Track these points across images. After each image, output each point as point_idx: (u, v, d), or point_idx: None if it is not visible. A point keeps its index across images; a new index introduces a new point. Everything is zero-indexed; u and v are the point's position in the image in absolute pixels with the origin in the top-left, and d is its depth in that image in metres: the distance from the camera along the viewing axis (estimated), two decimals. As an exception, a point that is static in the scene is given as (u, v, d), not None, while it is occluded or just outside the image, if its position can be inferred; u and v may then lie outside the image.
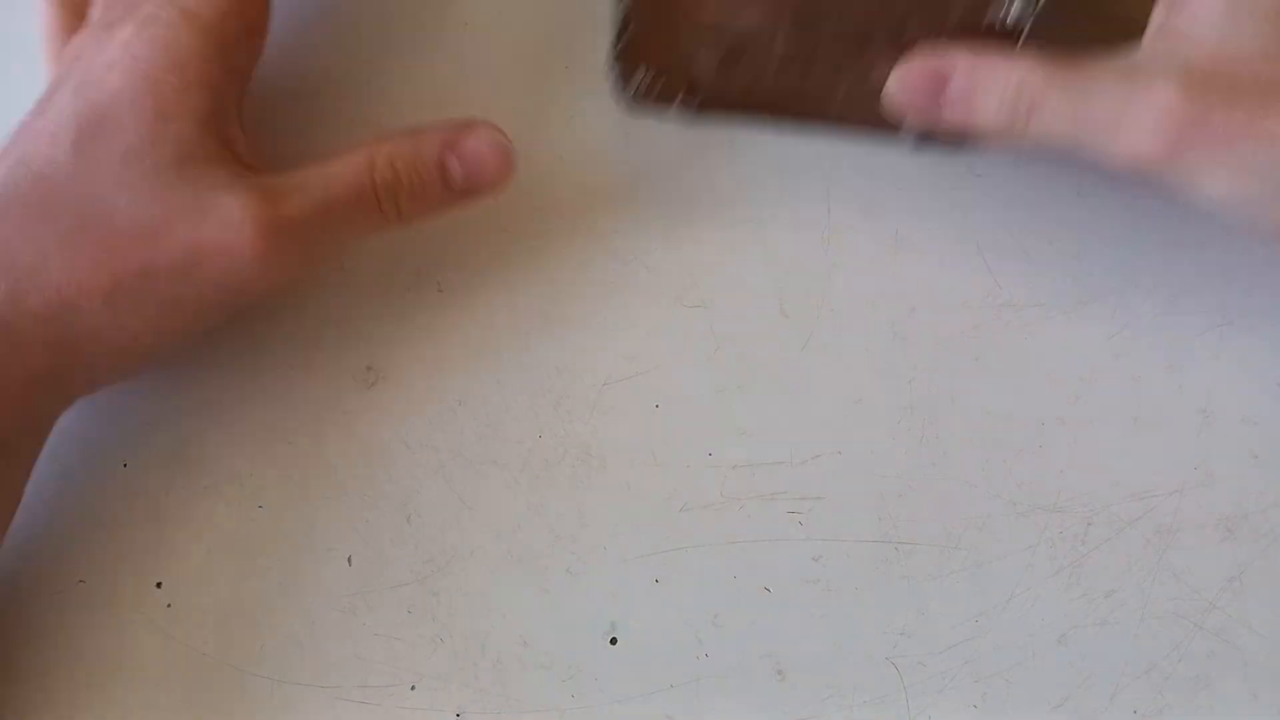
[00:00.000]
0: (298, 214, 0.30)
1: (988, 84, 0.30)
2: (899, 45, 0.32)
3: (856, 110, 0.33)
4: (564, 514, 0.33)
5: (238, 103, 0.32)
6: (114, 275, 0.29)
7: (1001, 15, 0.32)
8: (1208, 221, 0.32)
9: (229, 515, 0.33)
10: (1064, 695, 0.31)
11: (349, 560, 0.33)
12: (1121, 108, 0.29)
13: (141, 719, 0.31)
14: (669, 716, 0.31)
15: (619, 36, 0.33)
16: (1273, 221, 0.30)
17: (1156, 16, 0.31)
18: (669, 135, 0.35)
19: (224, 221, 0.29)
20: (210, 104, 0.30)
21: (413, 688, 0.31)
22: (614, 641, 0.32)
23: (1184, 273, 0.34)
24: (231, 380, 0.34)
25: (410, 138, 0.31)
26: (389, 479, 0.33)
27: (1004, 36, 0.32)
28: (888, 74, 0.32)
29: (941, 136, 0.33)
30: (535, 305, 0.34)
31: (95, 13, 0.32)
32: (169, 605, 0.32)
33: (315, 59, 0.36)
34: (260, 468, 0.33)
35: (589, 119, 0.35)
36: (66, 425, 0.33)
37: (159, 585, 0.32)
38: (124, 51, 0.30)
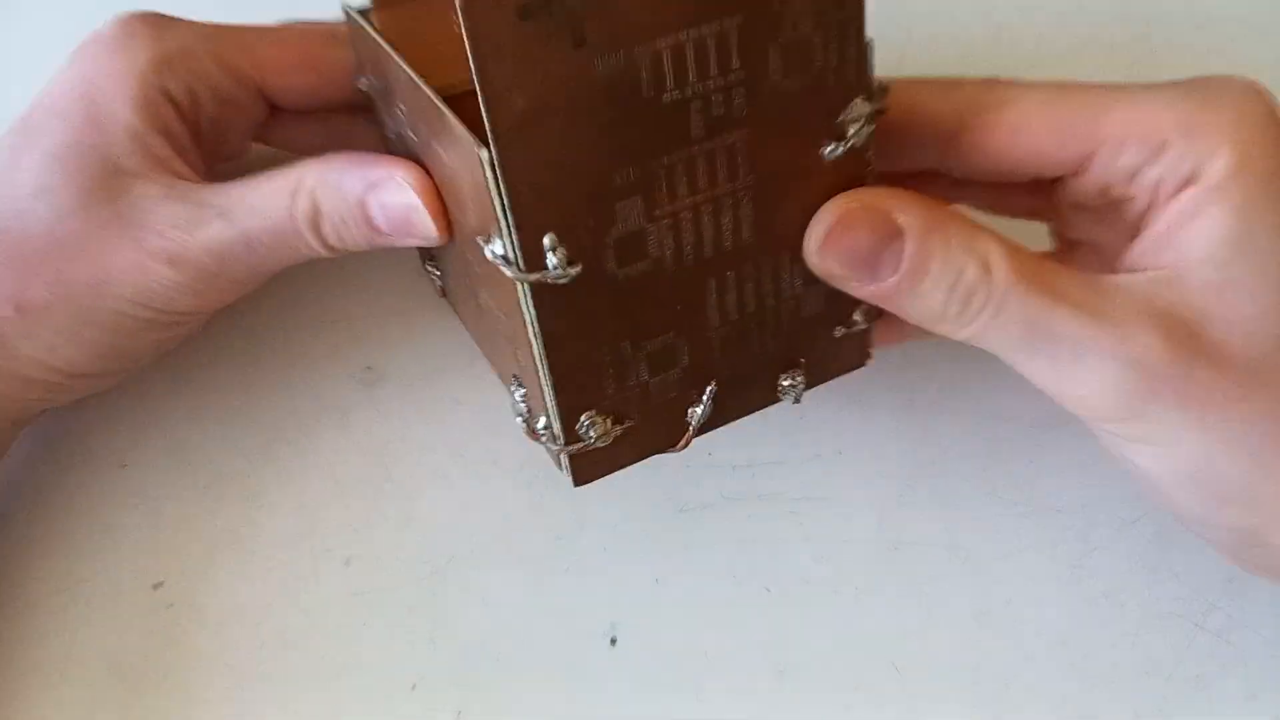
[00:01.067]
0: (213, 244, 0.28)
1: (944, 259, 0.25)
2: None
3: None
4: (564, 514, 0.33)
5: (192, 138, 0.30)
6: (23, 280, 0.28)
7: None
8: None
9: (229, 515, 0.33)
10: (1064, 695, 0.31)
11: (348, 561, 0.33)
12: (1090, 336, 0.24)
13: (141, 719, 0.31)
14: (669, 716, 0.31)
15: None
16: (1216, 522, 0.26)
17: (1148, 236, 0.26)
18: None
19: (137, 243, 0.28)
20: (146, 121, 0.29)
21: (413, 688, 0.31)
22: (614, 642, 0.32)
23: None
24: (231, 381, 0.34)
25: (335, 172, 0.29)
26: (389, 479, 0.33)
27: None
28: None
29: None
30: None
31: None
32: (169, 605, 0.32)
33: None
34: (260, 468, 0.33)
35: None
36: (66, 426, 0.33)
37: (159, 585, 0.32)
38: (76, 60, 0.30)
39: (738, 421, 0.34)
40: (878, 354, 0.34)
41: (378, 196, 0.28)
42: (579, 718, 0.31)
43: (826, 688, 0.31)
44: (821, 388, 0.34)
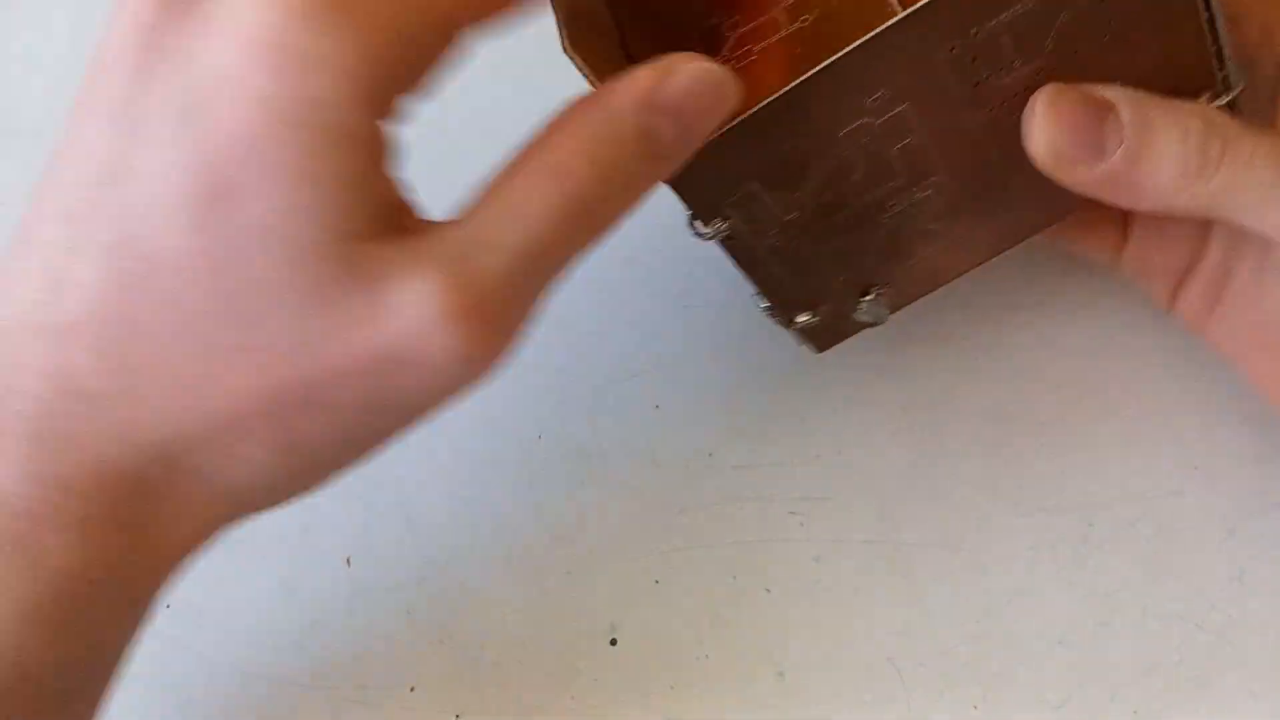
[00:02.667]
0: (500, 282, 0.22)
1: (1164, 117, 0.25)
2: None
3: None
4: (564, 514, 0.33)
5: (394, 142, 0.22)
6: (271, 399, 0.22)
7: None
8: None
9: (229, 515, 0.33)
10: (1064, 695, 0.31)
11: (348, 561, 0.33)
12: None
13: (141, 719, 0.31)
14: (669, 716, 0.31)
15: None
16: None
17: None
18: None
19: (412, 319, 0.21)
20: (364, 160, 0.21)
21: (412, 689, 0.31)
22: (614, 642, 0.32)
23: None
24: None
25: (596, 115, 0.23)
26: (389, 479, 0.33)
27: None
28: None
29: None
30: (535, 306, 0.35)
31: None
32: (169, 605, 0.32)
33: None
34: (260, 468, 0.33)
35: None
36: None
37: (159, 585, 0.32)
38: (239, 63, 0.21)
39: (737, 423, 0.34)
40: (877, 355, 0.34)
41: (657, 106, 0.23)
42: (579, 718, 0.31)
43: (826, 688, 0.31)
44: (821, 388, 0.34)
